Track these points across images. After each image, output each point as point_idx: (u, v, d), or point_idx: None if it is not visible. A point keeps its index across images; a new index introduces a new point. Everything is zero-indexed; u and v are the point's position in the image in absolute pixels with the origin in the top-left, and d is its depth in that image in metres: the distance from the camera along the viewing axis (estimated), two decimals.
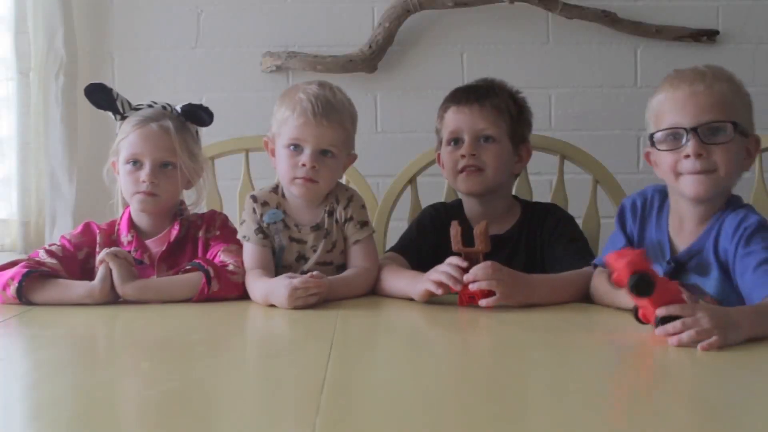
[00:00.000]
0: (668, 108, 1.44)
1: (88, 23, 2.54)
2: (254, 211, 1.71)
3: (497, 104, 1.78)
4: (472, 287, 1.46)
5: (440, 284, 1.49)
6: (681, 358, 1.13)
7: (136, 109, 1.72)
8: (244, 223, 1.72)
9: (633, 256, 1.19)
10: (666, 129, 1.43)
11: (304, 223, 1.72)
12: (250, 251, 1.68)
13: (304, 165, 1.64)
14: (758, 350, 1.15)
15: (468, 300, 1.49)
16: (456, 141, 1.79)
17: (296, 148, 1.65)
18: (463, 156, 1.77)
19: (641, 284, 1.18)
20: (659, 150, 1.46)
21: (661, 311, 1.18)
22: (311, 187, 1.67)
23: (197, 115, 1.75)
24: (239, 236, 1.71)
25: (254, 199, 1.72)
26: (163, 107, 1.73)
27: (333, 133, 1.65)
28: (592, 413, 0.88)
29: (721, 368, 1.09)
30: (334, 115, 1.64)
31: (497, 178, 1.79)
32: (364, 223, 1.73)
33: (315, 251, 1.71)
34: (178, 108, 1.75)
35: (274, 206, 1.72)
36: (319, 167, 1.65)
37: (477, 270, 1.46)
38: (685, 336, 1.14)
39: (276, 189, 1.75)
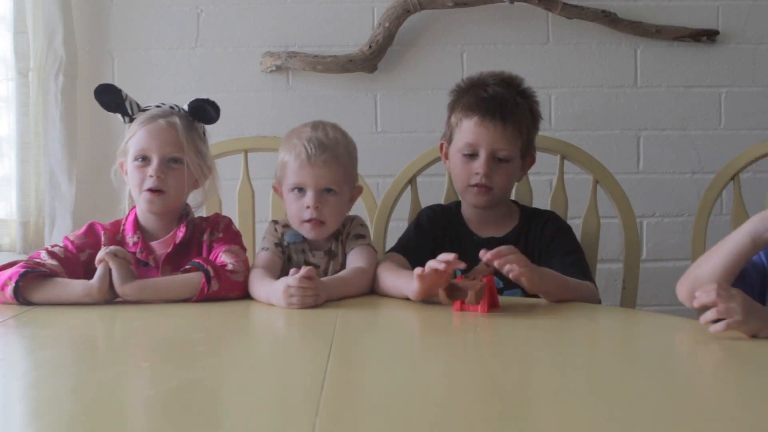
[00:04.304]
0: None
1: (88, 23, 2.54)
2: (276, 230, 1.79)
3: (518, 122, 1.80)
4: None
5: (423, 276, 1.48)
6: (683, 356, 1.13)
7: (145, 110, 1.73)
8: (264, 239, 1.80)
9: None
10: None
11: (318, 248, 1.79)
12: (263, 256, 1.75)
13: (308, 207, 1.72)
14: (759, 350, 1.15)
15: (462, 306, 1.47)
16: (471, 153, 1.80)
17: (300, 190, 1.74)
18: (476, 173, 1.79)
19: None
20: None
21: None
22: (318, 229, 1.74)
23: (204, 110, 1.76)
24: (258, 250, 1.79)
25: (276, 222, 1.82)
26: (171, 107, 1.75)
27: (330, 172, 1.72)
28: (594, 413, 0.88)
29: (724, 367, 1.09)
30: (328, 154, 1.72)
31: (504, 194, 1.85)
32: (360, 236, 1.80)
33: (326, 274, 1.75)
34: (185, 107, 1.76)
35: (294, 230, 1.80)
36: (323, 206, 1.72)
37: (493, 251, 1.48)
38: (720, 326, 1.18)
39: None
